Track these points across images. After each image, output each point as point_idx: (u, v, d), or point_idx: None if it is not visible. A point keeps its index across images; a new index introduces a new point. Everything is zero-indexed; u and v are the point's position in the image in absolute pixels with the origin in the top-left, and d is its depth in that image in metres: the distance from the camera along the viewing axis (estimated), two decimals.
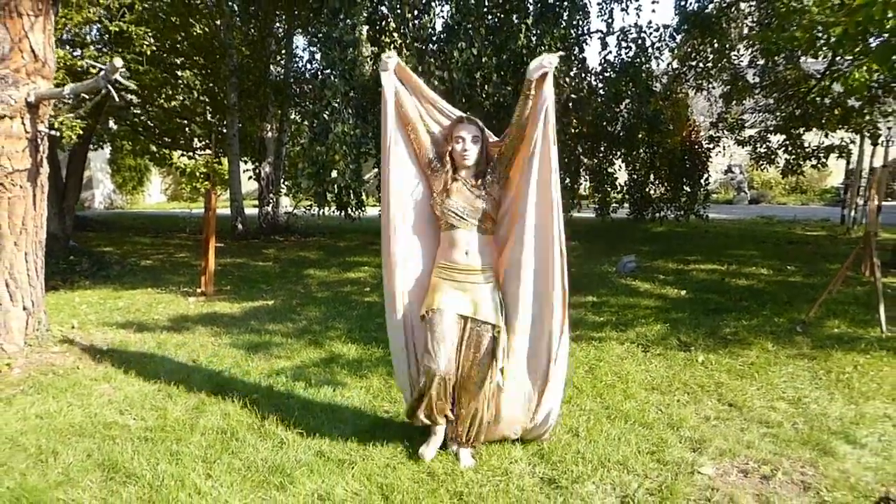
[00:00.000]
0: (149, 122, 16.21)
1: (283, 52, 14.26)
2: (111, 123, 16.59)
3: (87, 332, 6.16)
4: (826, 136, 14.01)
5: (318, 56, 10.32)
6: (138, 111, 15.11)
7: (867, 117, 12.68)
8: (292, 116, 15.09)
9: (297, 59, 14.64)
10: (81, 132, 7.79)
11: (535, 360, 3.45)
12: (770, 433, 3.80)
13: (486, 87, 7.92)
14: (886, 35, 4.33)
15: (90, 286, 8.65)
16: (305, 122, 11.75)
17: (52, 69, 5.27)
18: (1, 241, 5.15)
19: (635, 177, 15.40)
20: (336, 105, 7.33)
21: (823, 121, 13.50)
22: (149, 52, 7.32)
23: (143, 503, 3.06)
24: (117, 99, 4.46)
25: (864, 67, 5.03)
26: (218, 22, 13.45)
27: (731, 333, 5.94)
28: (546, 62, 3.20)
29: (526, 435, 3.61)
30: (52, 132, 5.39)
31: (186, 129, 16.56)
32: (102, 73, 4.38)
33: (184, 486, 3.17)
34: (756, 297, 7.31)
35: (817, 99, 13.25)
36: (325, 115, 7.40)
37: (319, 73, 9.21)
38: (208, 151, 17.93)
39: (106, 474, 3.35)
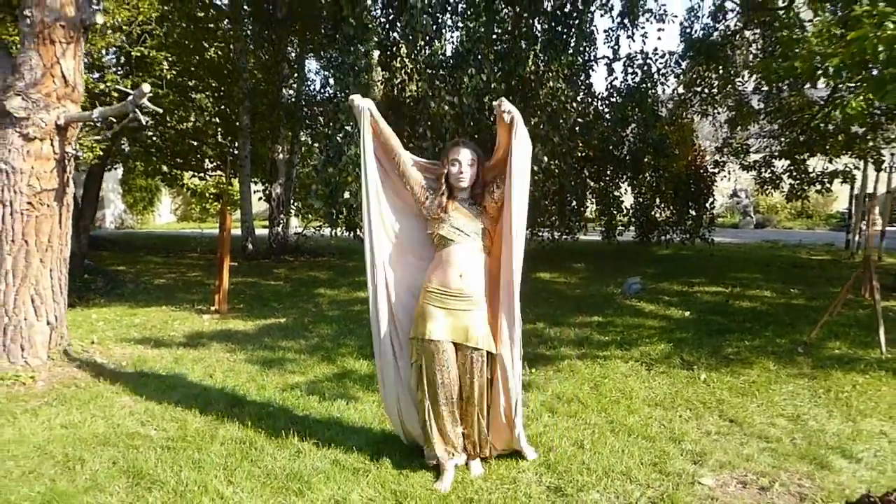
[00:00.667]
0: (161, 142, 16.47)
1: (296, 75, 14.57)
2: (123, 144, 16.86)
3: (106, 348, 6.34)
4: (830, 161, 14.17)
5: (331, 81, 10.58)
6: (151, 132, 15.40)
7: (871, 143, 12.83)
8: (303, 139, 15.35)
9: (309, 83, 14.96)
10: (101, 153, 8.03)
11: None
12: (769, 447, 3.93)
13: (494, 111, 8.12)
14: (880, 66, 4.54)
15: (105, 304, 8.84)
16: (316, 145, 11.99)
17: (81, 93, 5.51)
18: (28, 257, 5.35)
19: (641, 200, 15.58)
20: (349, 129, 7.56)
21: (827, 146, 13.67)
22: (168, 77, 7.60)
23: None
24: (144, 122, 4.67)
25: (861, 97, 5.21)
26: (232, 46, 13.76)
27: (733, 353, 6.08)
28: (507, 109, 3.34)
29: (513, 445, 3.70)
30: (77, 153, 5.61)
31: (198, 150, 16.81)
32: (131, 97, 4.60)
33: (207, 491, 3.33)
34: (759, 319, 7.45)
35: (821, 125, 13.43)
36: (338, 139, 7.63)
37: (334, 97, 9.46)
38: (219, 172, 18.23)
39: (131, 480, 3.51)
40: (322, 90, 14.23)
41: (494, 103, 3.39)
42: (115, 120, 5.56)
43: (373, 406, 4.68)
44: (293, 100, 14.40)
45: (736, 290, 9.46)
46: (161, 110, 5.32)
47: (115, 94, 7.90)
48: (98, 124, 5.19)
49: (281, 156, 14.67)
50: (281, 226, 14.99)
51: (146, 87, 4.53)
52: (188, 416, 4.49)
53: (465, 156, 3.49)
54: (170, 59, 8.22)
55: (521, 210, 3.39)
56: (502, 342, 3.44)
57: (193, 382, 5.32)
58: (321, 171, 7.99)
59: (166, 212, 31.15)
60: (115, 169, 18.98)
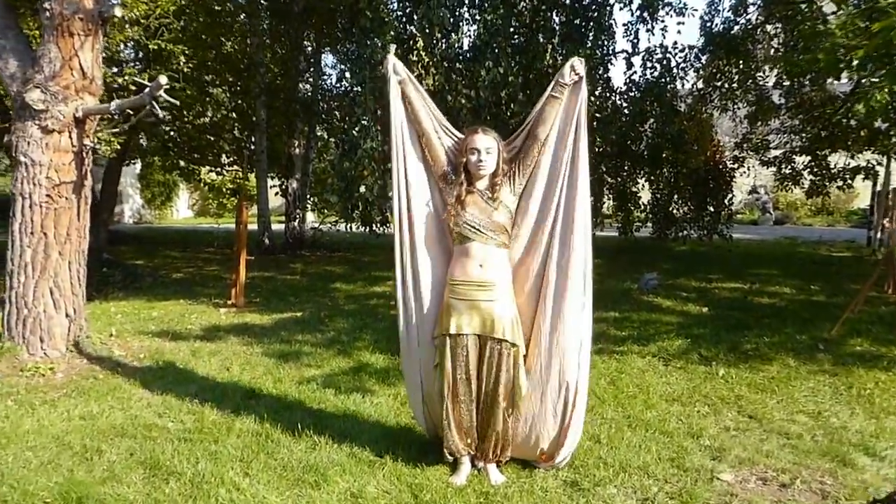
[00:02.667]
0: (178, 137, 16.57)
1: (312, 69, 14.59)
2: (141, 139, 16.97)
3: (125, 340, 6.37)
4: (852, 157, 14.00)
5: (348, 74, 10.56)
6: (168, 127, 15.49)
7: (894, 139, 12.64)
8: (319, 133, 15.37)
9: (326, 77, 14.98)
10: (119, 147, 8.08)
11: (555, 379, 3.37)
12: (790, 444, 3.88)
13: (511, 105, 8.08)
14: None
15: (123, 297, 8.90)
16: (332, 139, 11.97)
17: (99, 86, 5.53)
18: (47, 250, 5.39)
19: (658, 196, 15.46)
20: (365, 122, 7.55)
21: (849, 142, 13.50)
22: (185, 70, 7.61)
23: (186, 498, 3.20)
24: (161, 114, 4.68)
25: (886, 89, 5.13)
26: (249, 40, 13.80)
27: (752, 349, 6.01)
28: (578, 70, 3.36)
29: (549, 457, 3.51)
30: (95, 146, 5.64)
31: (215, 145, 16.89)
32: (147, 89, 4.61)
33: (223, 483, 3.33)
34: (778, 315, 7.36)
35: (843, 120, 13.26)
36: (354, 132, 7.62)
37: (350, 91, 9.43)
38: (236, 167, 18.32)
39: (148, 472, 3.52)
40: (338, 84, 14.21)
41: (567, 64, 3.37)
42: (132, 112, 5.57)
43: (388, 399, 4.67)
44: (309, 94, 14.41)
45: (755, 286, 9.36)
46: (178, 103, 5.33)
47: (134, 88, 7.93)
48: (116, 117, 5.19)
49: (297, 150, 14.70)
50: (297, 220, 15.03)
51: (163, 79, 4.54)
52: (205, 409, 4.49)
53: (484, 143, 3.35)
54: (187, 52, 8.23)
55: (585, 194, 3.33)
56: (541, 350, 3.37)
57: (210, 375, 5.34)
58: (336, 166, 7.98)
59: (184, 207, 31.38)
60: (133, 164, 19.08)
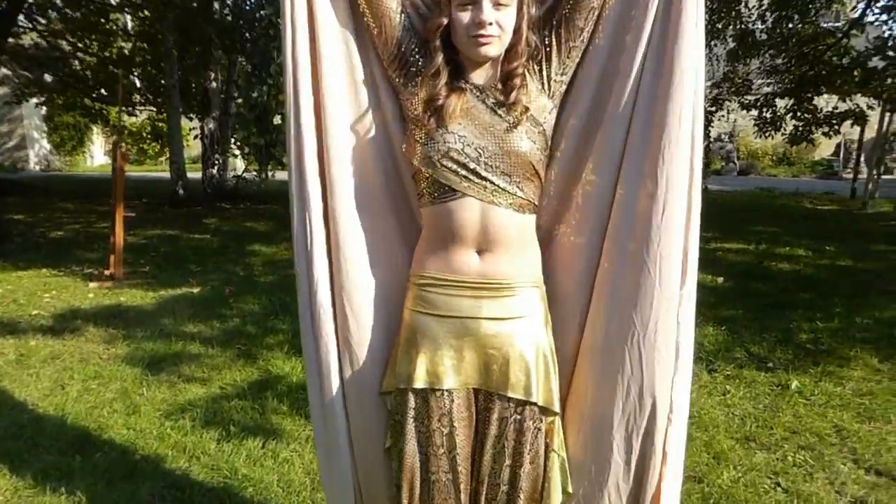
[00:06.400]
0: (83, 72, 14.35)
1: None
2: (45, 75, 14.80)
3: None
4: (843, 100, 12.71)
5: None
6: (55, 58, 13.31)
7: (889, 81, 11.31)
8: (243, 65, 13.08)
9: None
10: None
11: (622, 450, 1.61)
12: None
13: None
14: None
15: None
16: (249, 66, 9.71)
17: None
18: None
19: None
20: (279, 26, 5.58)
21: (839, 83, 12.18)
22: None
23: None
24: None
25: None
26: None
27: (809, 340, 4.44)
28: None
29: None
30: None
31: (125, 80, 14.64)
32: None
33: None
34: (813, 287, 5.83)
35: (833, 58, 11.97)
36: (262, 44, 5.61)
37: None
38: (151, 107, 16.06)
39: None
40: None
41: None
42: None
43: (305, 452, 2.90)
44: (228, 16, 12.05)
45: (761, 247, 7.85)
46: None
47: None
48: None
49: (214, 84, 12.40)
50: (216, 167, 12.78)
51: None
52: None
53: None
54: None
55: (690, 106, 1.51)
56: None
57: (29, 401, 3.47)
58: (244, 91, 6.00)
59: (99, 153, 28.36)
60: (28, 101, 16.43)
